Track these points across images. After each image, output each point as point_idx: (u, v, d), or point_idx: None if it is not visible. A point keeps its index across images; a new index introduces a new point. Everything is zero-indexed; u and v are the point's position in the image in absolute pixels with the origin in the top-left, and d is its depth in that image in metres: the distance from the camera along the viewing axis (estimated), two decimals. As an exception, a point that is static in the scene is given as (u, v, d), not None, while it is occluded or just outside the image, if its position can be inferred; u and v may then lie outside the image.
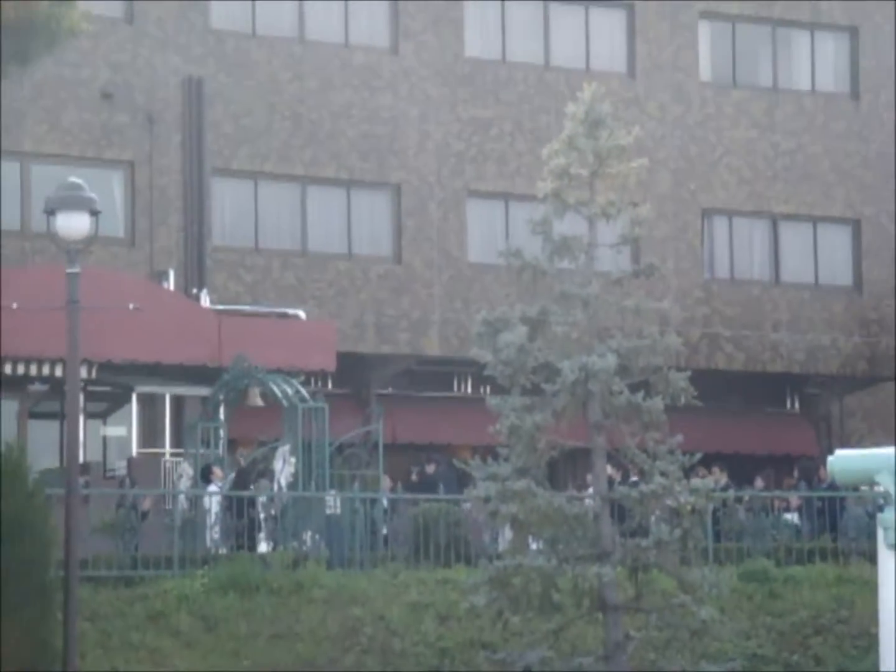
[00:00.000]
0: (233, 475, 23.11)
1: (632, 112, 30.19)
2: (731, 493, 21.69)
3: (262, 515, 21.24)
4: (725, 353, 31.37)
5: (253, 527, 20.90)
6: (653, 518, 18.03)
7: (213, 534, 20.80)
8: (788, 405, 33.02)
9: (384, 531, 21.75)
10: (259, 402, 24.29)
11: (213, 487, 22.19)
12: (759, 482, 24.91)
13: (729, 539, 22.36)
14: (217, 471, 22.48)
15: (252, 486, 22.63)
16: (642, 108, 31.13)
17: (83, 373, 23.14)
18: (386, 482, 23.98)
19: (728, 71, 32.50)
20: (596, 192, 18.31)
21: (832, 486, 22.58)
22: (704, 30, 32.30)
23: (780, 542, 22.12)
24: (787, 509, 23.63)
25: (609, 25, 31.61)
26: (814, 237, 32.58)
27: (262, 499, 21.48)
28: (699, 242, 31.78)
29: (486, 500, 17.60)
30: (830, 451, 26.12)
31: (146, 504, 21.31)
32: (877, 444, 24.06)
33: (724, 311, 31.58)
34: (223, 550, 20.61)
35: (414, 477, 25.54)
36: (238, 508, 21.01)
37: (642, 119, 29.94)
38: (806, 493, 23.19)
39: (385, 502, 22.17)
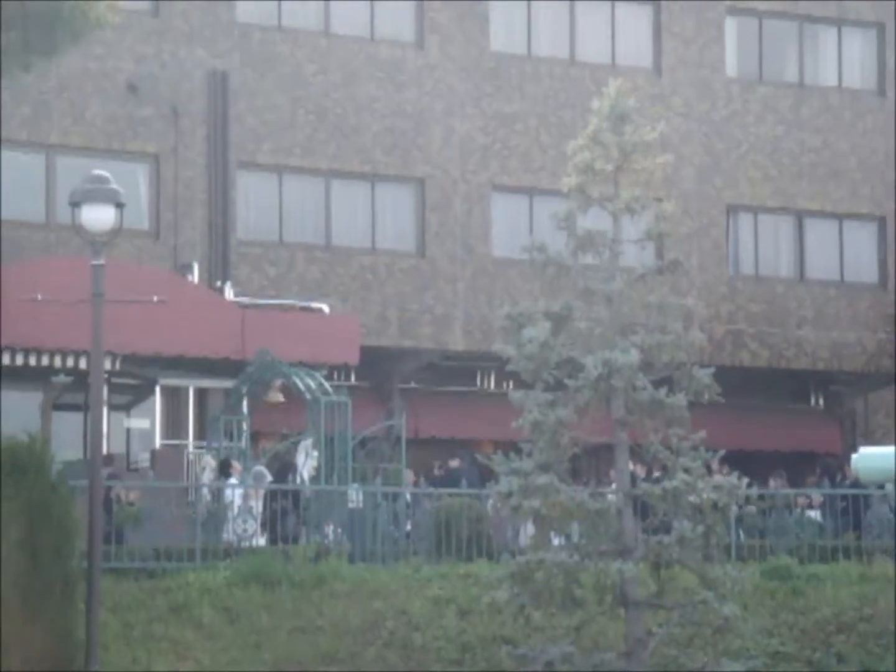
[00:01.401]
0: (258, 468, 23.05)
1: (657, 108, 30.09)
2: (754, 490, 21.57)
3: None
4: (749, 349, 31.30)
5: (283, 518, 20.86)
6: (675, 514, 17.97)
7: (235, 526, 20.80)
8: (812, 402, 32.92)
9: (407, 526, 21.74)
10: (279, 398, 24.31)
11: (233, 481, 22.21)
12: (772, 483, 24.86)
13: (751, 536, 22.31)
14: (236, 465, 22.50)
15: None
16: (668, 104, 31.05)
17: (107, 365, 23.20)
18: (409, 476, 23.98)
19: (754, 67, 32.39)
20: (620, 188, 18.27)
21: (856, 484, 22.49)
22: (731, 26, 32.20)
23: (803, 540, 22.05)
24: (811, 507, 23.56)
25: (635, 21, 31.54)
26: (839, 234, 32.47)
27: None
28: (724, 239, 31.70)
29: (509, 494, 17.59)
30: (854, 449, 26.07)
31: (132, 496, 21.24)
32: (901, 441, 23.98)
33: (748, 307, 31.50)
34: (261, 542, 20.59)
35: (437, 471, 25.54)
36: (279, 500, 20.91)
37: (668, 115, 29.84)
38: (829, 491, 23.11)
39: (407, 497, 22.16)
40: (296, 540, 20.69)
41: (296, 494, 21.37)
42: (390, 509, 21.40)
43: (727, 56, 32.08)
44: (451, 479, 23.82)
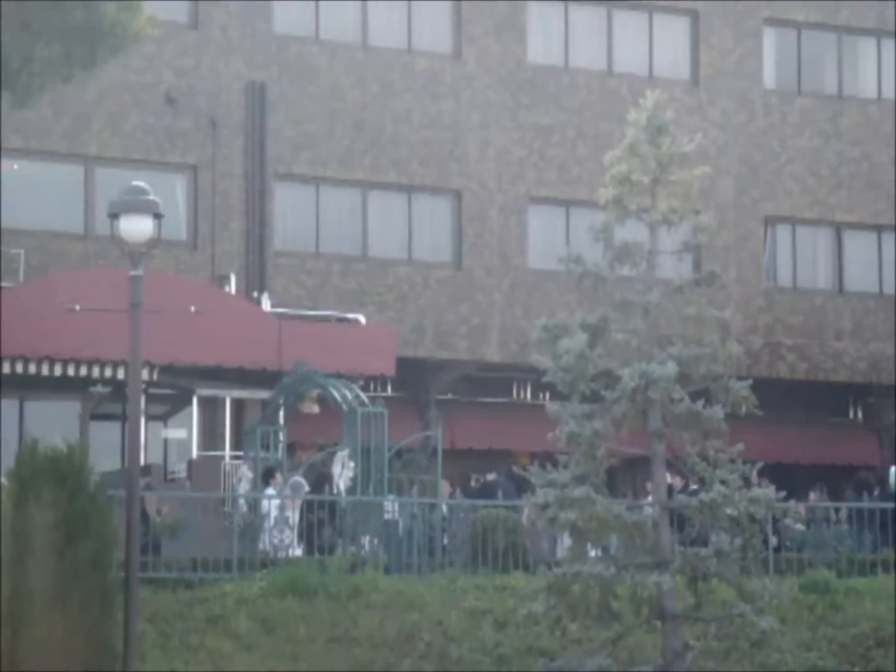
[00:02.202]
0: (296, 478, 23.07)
1: (694, 119, 30.06)
2: (792, 503, 21.49)
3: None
4: (787, 362, 31.17)
5: (319, 529, 20.88)
6: (712, 527, 17.90)
7: (271, 537, 20.83)
8: (851, 414, 32.77)
9: (443, 538, 21.72)
10: (315, 409, 24.34)
11: (270, 491, 22.25)
12: (812, 497, 24.72)
13: (789, 550, 22.19)
14: (278, 476, 22.51)
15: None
16: (705, 116, 30.99)
17: (145, 375, 23.27)
18: (445, 487, 23.96)
19: (793, 78, 32.31)
20: (657, 199, 18.23)
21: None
22: (769, 37, 32.12)
23: (842, 553, 21.93)
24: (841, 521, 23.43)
25: (673, 32, 31.50)
26: (878, 246, 32.32)
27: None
28: (761, 251, 31.60)
29: (545, 506, 17.55)
30: (893, 461, 25.91)
31: (163, 507, 21.29)
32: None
33: (786, 319, 31.38)
34: (297, 553, 20.60)
35: (474, 483, 25.51)
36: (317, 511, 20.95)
37: (705, 126, 29.80)
38: (866, 505, 22.99)
39: (444, 508, 22.15)
40: (332, 551, 20.69)
41: (332, 505, 21.38)
42: (426, 521, 21.38)
43: (765, 67, 32.00)
44: (487, 492, 23.79)
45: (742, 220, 31.29)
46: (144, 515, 19.80)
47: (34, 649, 15.38)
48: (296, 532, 21.02)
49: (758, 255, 31.51)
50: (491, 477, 24.81)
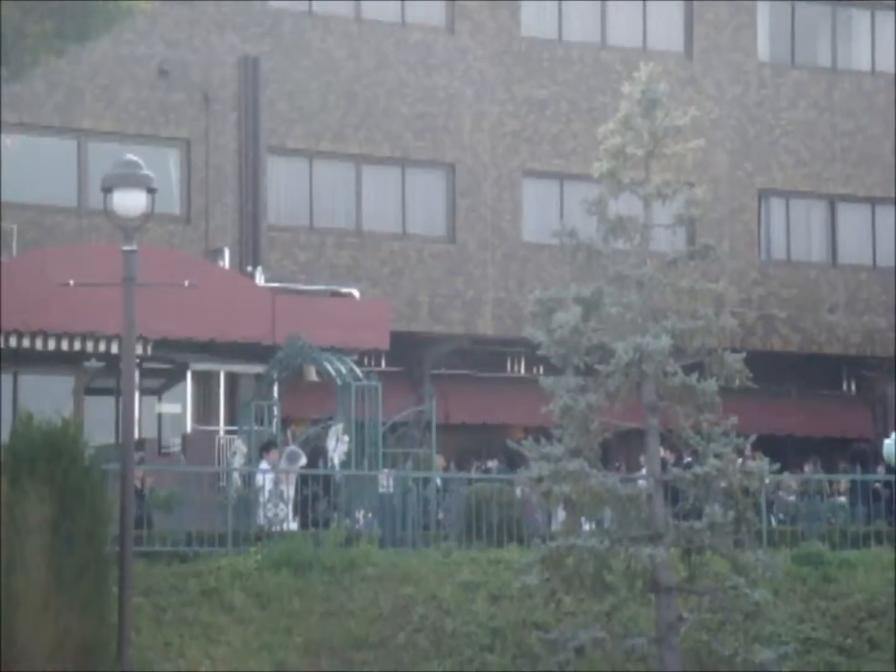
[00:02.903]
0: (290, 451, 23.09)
1: (689, 92, 30.02)
2: (786, 475, 21.55)
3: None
4: (781, 334, 31.21)
5: (314, 503, 20.90)
6: (706, 500, 17.94)
7: (267, 511, 20.86)
8: (844, 387, 32.83)
9: (438, 511, 21.76)
10: (314, 377, 24.35)
11: (264, 465, 22.27)
12: (806, 469, 24.77)
13: (783, 522, 22.25)
14: (273, 454, 22.50)
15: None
16: (699, 89, 30.95)
17: (139, 350, 23.28)
18: (439, 462, 23.99)
19: (787, 51, 32.26)
20: (651, 173, 18.22)
21: (890, 469, 22.40)
22: (763, 10, 32.06)
23: (835, 526, 22.00)
24: (839, 492, 23.50)
25: (666, 5, 31.43)
26: (872, 219, 32.33)
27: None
28: (755, 224, 31.61)
29: (539, 480, 17.59)
30: (886, 434, 25.97)
31: (149, 481, 21.29)
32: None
33: (780, 292, 31.40)
34: (292, 526, 20.63)
35: (474, 471, 25.46)
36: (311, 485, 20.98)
37: (699, 99, 29.78)
38: (862, 477, 23.04)
39: (438, 482, 22.19)
40: (327, 525, 20.73)
41: (327, 479, 21.41)
42: (421, 494, 21.41)
43: (759, 40, 31.96)
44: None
45: (736, 193, 31.27)
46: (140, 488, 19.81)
47: (29, 623, 15.41)
48: (290, 506, 21.05)
49: (752, 228, 31.51)
50: (491, 464, 24.80)
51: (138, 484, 20.79)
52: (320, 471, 21.90)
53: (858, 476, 22.92)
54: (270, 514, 20.77)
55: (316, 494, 21.07)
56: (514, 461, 22.59)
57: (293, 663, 18.03)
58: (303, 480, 21.24)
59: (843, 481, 23.49)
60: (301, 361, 24.08)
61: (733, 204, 31.23)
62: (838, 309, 31.63)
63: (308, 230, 28.98)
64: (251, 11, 28.68)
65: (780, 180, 31.68)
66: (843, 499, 23.29)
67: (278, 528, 20.57)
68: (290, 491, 21.27)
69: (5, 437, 16.39)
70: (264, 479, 21.35)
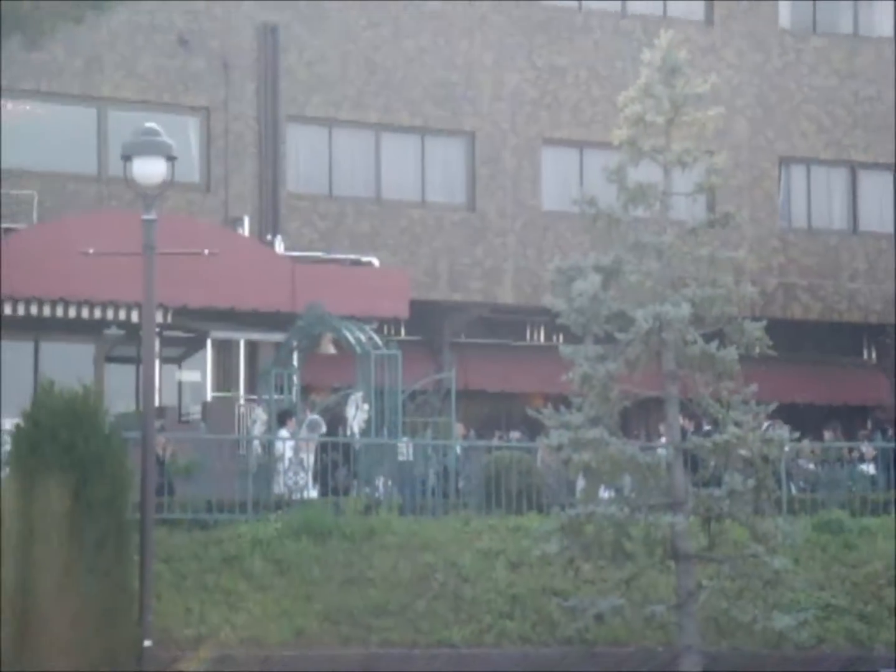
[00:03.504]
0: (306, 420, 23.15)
1: (709, 60, 29.87)
2: (806, 443, 21.55)
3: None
4: (801, 302, 31.12)
5: (334, 471, 20.94)
6: (726, 468, 17.94)
7: (287, 479, 20.92)
8: (865, 355, 32.73)
9: (457, 480, 21.79)
10: (331, 349, 24.37)
11: (284, 433, 22.31)
12: (826, 435, 24.74)
13: (803, 490, 22.25)
14: (291, 423, 22.55)
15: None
16: (720, 56, 30.80)
17: (159, 318, 23.31)
18: (459, 429, 24.01)
19: (808, 18, 32.06)
20: (672, 140, 18.17)
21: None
22: (784, -24, 31.88)
23: (856, 493, 21.98)
24: (863, 460, 23.47)
25: (687, -29, 31.26)
26: (893, 186, 32.17)
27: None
28: (776, 191, 31.49)
29: (559, 448, 17.61)
30: (907, 402, 25.89)
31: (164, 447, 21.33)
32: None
33: (800, 260, 31.30)
34: (311, 495, 20.67)
35: (497, 441, 25.35)
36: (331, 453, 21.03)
37: (720, 67, 29.63)
38: (883, 444, 23.00)
39: (458, 450, 22.21)
40: (346, 493, 20.77)
41: (346, 447, 21.45)
42: (440, 462, 21.44)
43: (780, 7, 31.76)
44: None
45: (756, 160, 31.15)
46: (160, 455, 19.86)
47: (51, 589, 15.50)
48: (310, 474, 21.09)
49: (772, 195, 31.39)
50: (514, 435, 24.73)
51: (160, 452, 20.86)
52: (340, 438, 21.95)
53: (880, 444, 22.87)
54: (290, 482, 20.83)
55: (336, 462, 21.11)
56: (534, 430, 22.58)
57: (313, 630, 18.11)
58: (322, 448, 21.28)
59: (868, 448, 23.45)
60: (321, 330, 24.10)
61: (754, 171, 31.11)
62: (858, 276, 31.53)
63: (327, 198, 28.95)
64: (270, -21, 28.61)
65: (801, 147, 31.54)
66: (868, 466, 23.24)
67: (298, 496, 20.63)
68: (310, 459, 21.32)
69: (26, 406, 16.44)
70: (284, 447, 21.41)
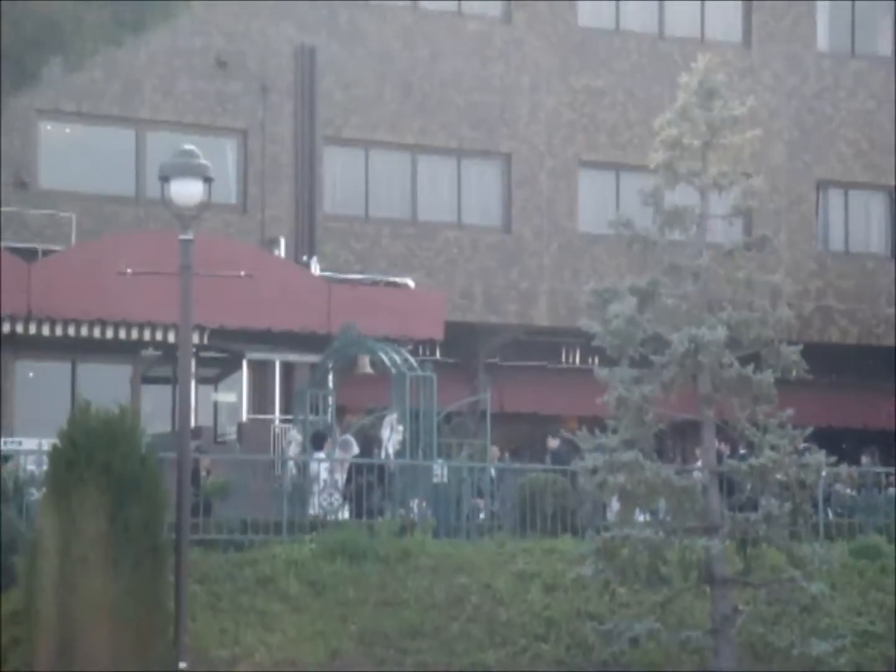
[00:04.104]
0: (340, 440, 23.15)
1: (746, 82, 29.85)
2: (843, 467, 21.44)
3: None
4: (839, 326, 31.00)
5: (368, 493, 20.95)
6: (762, 492, 17.86)
7: (321, 500, 20.93)
8: (903, 380, 32.55)
9: (491, 501, 21.75)
10: (368, 369, 24.40)
11: (320, 455, 22.32)
12: (864, 460, 24.60)
13: (840, 515, 22.12)
14: (327, 445, 22.54)
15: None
16: (757, 79, 30.76)
17: (195, 338, 23.40)
18: (494, 452, 23.97)
19: (846, 41, 32.00)
20: (708, 163, 18.15)
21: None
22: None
23: (893, 518, 21.83)
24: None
25: (725, -6, 31.25)
26: (931, 210, 32.05)
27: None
28: (813, 214, 31.39)
29: (594, 471, 17.56)
30: (945, 427, 25.71)
31: (206, 464, 21.38)
32: None
33: (837, 284, 31.19)
34: (343, 516, 20.68)
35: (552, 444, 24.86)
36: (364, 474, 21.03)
37: (757, 89, 29.58)
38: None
39: (492, 472, 22.17)
40: (380, 514, 20.77)
41: (381, 468, 21.44)
42: (475, 485, 21.41)
43: (818, 29, 31.71)
44: (553, 460, 23.47)
45: (794, 183, 31.07)
46: (196, 476, 19.91)
47: (87, 610, 15.54)
48: (341, 494, 21.08)
49: (810, 218, 31.30)
50: (553, 444, 24.43)
51: (204, 473, 20.94)
52: (374, 460, 21.94)
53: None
54: (325, 504, 20.83)
55: (370, 484, 21.11)
56: (571, 439, 22.41)
57: (347, 651, 18.09)
58: (357, 470, 21.28)
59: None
60: (356, 352, 24.13)
61: (791, 195, 31.03)
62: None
63: (363, 220, 29.03)
64: (308, 2, 28.73)
65: (839, 171, 31.45)
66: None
67: (332, 517, 20.63)
68: (342, 479, 21.32)
69: (64, 425, 16.51)
70: (319, 468, 21.43)
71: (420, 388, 22.45)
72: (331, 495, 20.82)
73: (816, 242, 31.38)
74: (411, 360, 23.02)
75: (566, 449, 23.99)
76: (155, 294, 21.88)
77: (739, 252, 18.32)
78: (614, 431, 17.66)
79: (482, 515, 21.58)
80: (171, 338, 24.21)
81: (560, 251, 29.76)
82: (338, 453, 22.19)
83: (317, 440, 22.77)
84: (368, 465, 21.46)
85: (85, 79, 25.90)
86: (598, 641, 17.86)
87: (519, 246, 29.65)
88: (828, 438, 24.94)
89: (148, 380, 25.84)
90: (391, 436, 22.45)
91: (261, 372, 26.78)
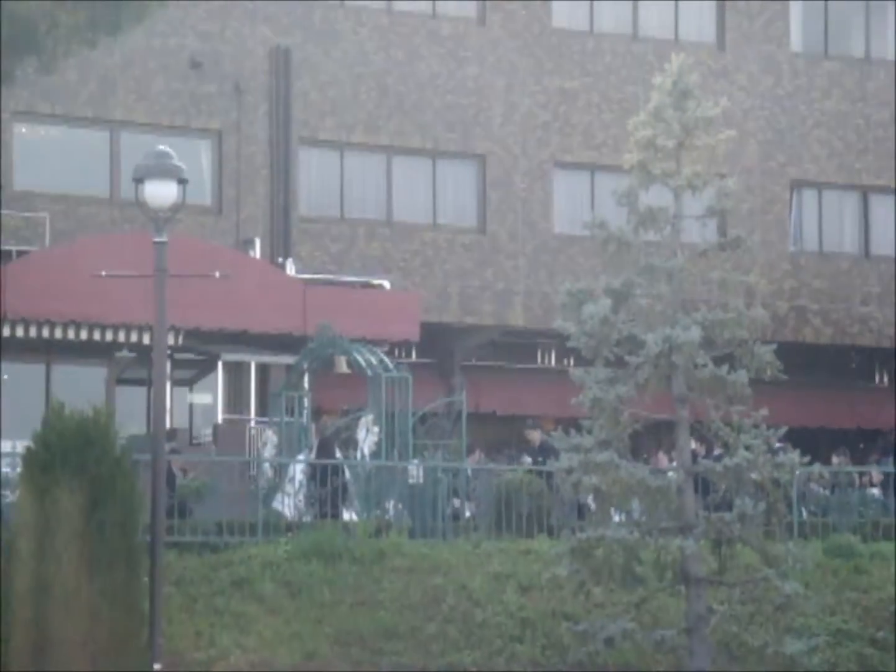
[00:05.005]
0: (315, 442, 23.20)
1: (720, 83, 29.92)
2: (817, 466, 21.53)
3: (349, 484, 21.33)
4: (813, 326, 31.09)
5: (336, 495, 21.00)
6: (736, 492, 17.91)
7: (295, 501, 20.92)
8: (877, 379, 32.67)
9: (465, 502, 21.76)
10: (345, 368, 24.40)
11: (300, 457, 22.32)
12: (835, 460, 24.71)
13: (814, 514, 22.20)
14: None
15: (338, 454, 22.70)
16: (731, 80, 30.84)
17: (170, 340, 23.36)
18: (477, 456, 23.98)
19: (819, 41, 32.09)
20: (682, 164, 18.19)
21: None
22: (796, 0, 31.91)
23: (867, 518, 21.93)
24: (872, 484, 23.42)
25: (699, -5, 31.31)
26: (905, 210, 32.16)
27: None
28: (787, 215, 31.48)
29: (569, 471, 17.60)
30: (919, 427, 25.82)
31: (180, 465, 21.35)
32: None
33: (812, 284, 31.28)
34: (307, 518, 20.72)
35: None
36: (322, 477, 21.11)
37: (731, 90, 29.67)
38: (886, 469, 22.95)
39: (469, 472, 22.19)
40: (336, 517, 20.70)
41: (336, 470, 21.33)
42: (450, 485, 21.42)
43: (792, 30, 31.80)
44: (541, 452, 23.34)
45: (768, 184, 31.16)
46: (171, 477, 19.88)
47: (62, 611, 15.51)
48: (301, 495, 21.06)
49: (783, 219, 31.39)
50: (536, 436, 24.03)
51: (181, 473, 20.90)
52: (350, 461, 21.93)
53: (883, 468, 22.82)
54: (300, 505, 20.80)
55: (345, 484, 21.11)
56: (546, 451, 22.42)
57: (323, 653, 18.09)
58: (334, 470, 21.27)
59: (876, 473, 23.41)
60: (332, 352, 24.12)
61: (765, 195, 31.12)
62: (870, 300, 31.49)
63: (339, 221, 29.01)
64: (282, 2, 28.71)
65: (813, 171, 31.55)
66: (875, 490, 23.21)
67: (308, 519, 20.61)
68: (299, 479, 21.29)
69: (38, 427, 16.47)
70: (295, 470, 21.40)
71: (396, 389, 22.46)
72: (300, 496, 20.80)
73: (790, 242, 31.47)
74: (387, 361, 23.02)
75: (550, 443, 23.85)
76: (130, 295, 21.84)
77: (714, 252, 18.38)
78: (589, 432, 17.70)
79: (468, 514, 21.59)
80: (146, 339, 24.16)
81: (535, 252, 29.79)
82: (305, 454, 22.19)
83: (325, 446, 22.68)
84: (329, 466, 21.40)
85: (59, 80, 25.82)
86: (574, 641, 17.89)
87: (494, 247, 29.67)
88: (802, 438, 25.05)
89: (123, 381, 25.78)
90: (367, 437, 22.45)
91: (236, 373, 26.74)
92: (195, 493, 20.51)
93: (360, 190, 29.28)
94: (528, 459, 23.22)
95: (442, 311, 28.97)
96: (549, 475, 20.16)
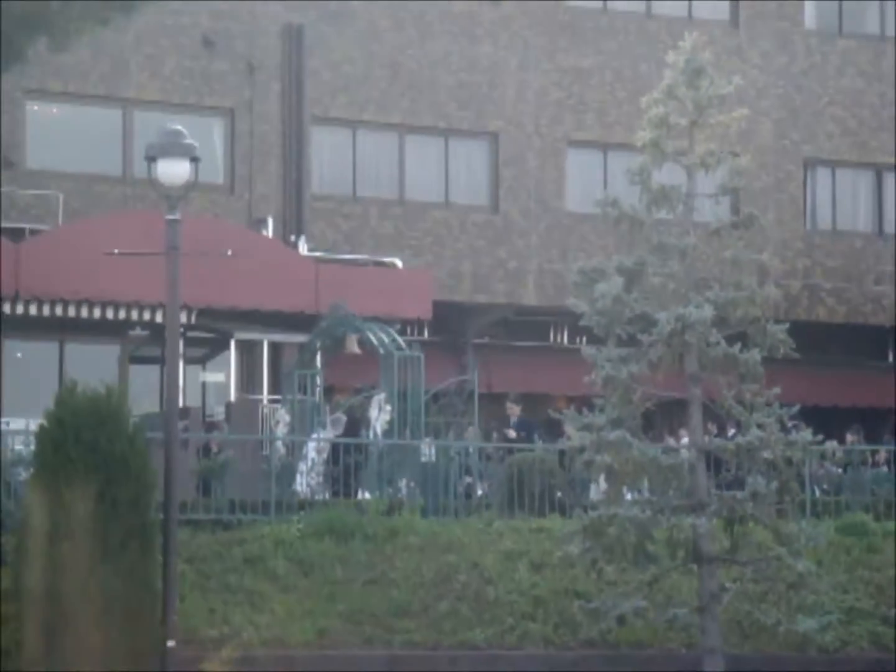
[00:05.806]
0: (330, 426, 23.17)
1: (734, 61, 29.82)
2: (830, 445, 21.51)
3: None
4: (826, 305, 31.05)
5: (349, 474, 21.03)
6: (749, 470, 17.91)
7: (308, 479, 20.96)
8: (890, 358, 32.63)
9: (477, 481, 21.78)
10: (356, 349, 24.41)
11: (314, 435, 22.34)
12: (849, 438, 24.68)
13: (827, 493, 22.19)
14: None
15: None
16: (745, 58, 30.75)
17: (183, 319, 23.39)
18: (470, 432, 23.96)
19: (834, 19, 31.99)
20: (695, 142, 18.15)
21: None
22: (810, -23, 31.83)
23: (879, 496, 21.91)
24: (885, 463, 23.41)
25: (712, -28, 31.22)
26: (919, 188, 32.08)
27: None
28: (801, 193, 31.41)
29: (582, 450, 17.61)
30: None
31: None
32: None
33: (825, 262, 31.23)
34: (325, 496, 20.75)
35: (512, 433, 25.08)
36: (335, 456, 21.10)
37: (745, 68, 29.58)
38: (890, 447, 22.92)
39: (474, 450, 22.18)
40: (348, 495, 20.74)
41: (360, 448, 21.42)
42: (462, 463, 21.45)
43: (806, 8, 31.70)
44: (518, 427, 23.44)
45: (781, 162, 31.08)
46: (209, 453, 19.83)
47: (75, 589, 15.56)
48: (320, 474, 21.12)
49: (797, 197, 31.32)
50: (516, 411, 24.16)
51: (215, 448, 20.95)
52: (362, 440, 21.96)
53: (889, 447, 22.80)
54: (313, 483, 20.84)
55: (358, 463, 21.14)
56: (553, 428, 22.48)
57: (335, 630, 18.14)
58: (344, 449, 21.30)
59: (884, 451, 23.39)
60: (344, 331, 24.14)
61: (778, 173, 31.04)
62: (884, 279, 31.43)
63: (351, 200, 29.00)
64: (295, -20, 28.67)
65: (827, 149, 31.47)
66: (885, 469, 23.19)
67: (320, 497, 20.66)
68: (321, 458, 21.33)
69: (51, 405, 16.51)
70: (308, 449, 21.44)
71: (408, 368, 22.47)
72: (318, 475, 20.85)
73: (804, 221, 31.40)
74: (399, 339, 23.02)
75: (530, 420, 23.90)
76: (142, 274, 21.86)
77: (726, 231, 18.34)
78: (601, 410, 17.69)
79: (480, 492, 21.63)
80: (159, 318, 24.20)
81: (548, 230, 29.76)
82: (330, 431, 22.22)
83: (353, 425, 22.72)
84: (351, 445, 21.45)
85: (72, 58, 25.83)
86: (586, 619, 17.92)
87: (507, 225, 29.65)
88: (815, 417, 25.02)
89: (135, 360, 25.83)
90: (379, 415, 22.47)
91: (249, 352, 26.79)
92: (219, 470, 20.57)
93: (373, 168, 29.27)
94: (511, 433, 23.29)
95: (454, 290, 28.97)
96: (562, 453, 20.18)
